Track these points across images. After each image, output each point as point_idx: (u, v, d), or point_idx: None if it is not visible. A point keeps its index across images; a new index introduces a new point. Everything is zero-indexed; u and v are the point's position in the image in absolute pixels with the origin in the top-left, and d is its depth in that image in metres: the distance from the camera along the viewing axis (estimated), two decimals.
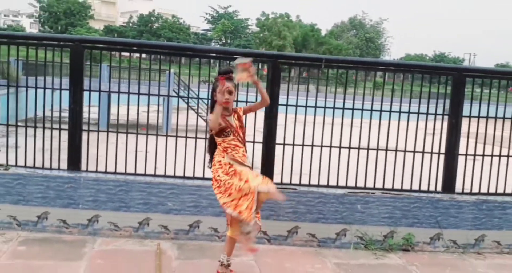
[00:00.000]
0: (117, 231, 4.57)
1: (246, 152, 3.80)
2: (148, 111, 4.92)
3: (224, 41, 73.38)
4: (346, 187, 4.92)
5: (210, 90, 3.83)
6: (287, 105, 4.91)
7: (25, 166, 4.76)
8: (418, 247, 4.82)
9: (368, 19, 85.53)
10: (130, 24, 73.68)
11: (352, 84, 5.35)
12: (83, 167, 4.74)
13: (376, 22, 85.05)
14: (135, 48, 5.28)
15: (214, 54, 5.26)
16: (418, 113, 5.10)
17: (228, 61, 5.10)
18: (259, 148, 4.78)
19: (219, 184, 3.65)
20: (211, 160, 3.88)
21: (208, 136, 3.98)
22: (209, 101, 3.86)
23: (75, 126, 4.70)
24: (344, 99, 5.01)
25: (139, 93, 4.86)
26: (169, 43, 6.92)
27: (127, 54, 5.22)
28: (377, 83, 25.28)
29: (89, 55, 5.19)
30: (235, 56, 5.05)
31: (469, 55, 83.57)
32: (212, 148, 3.87)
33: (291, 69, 5.60)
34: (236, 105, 4.34)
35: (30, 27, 79.48)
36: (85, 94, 4.74)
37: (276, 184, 4.74)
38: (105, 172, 4.75)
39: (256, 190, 3.53)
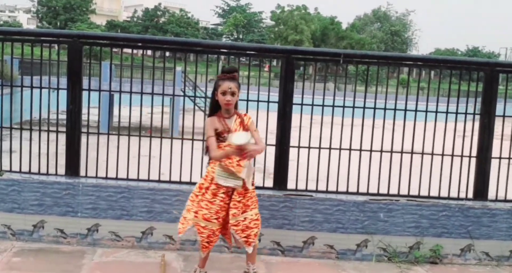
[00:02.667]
0: (119, 241, 4.61)
1: (245, 160, 3.72)
2: (152, 113, 4.96)
3: (236, 36, 73.69)
4: (367, 193, 4.90)
5: (212, 89, 3.86)
6: (302, 104, 4.91)
7: (20, 172, 4.83)
8: (447, 260, 4.78)
9: (393, 11, 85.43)
10: (135, 19, 74.44)
11: (375, 82, 5.33)
12: (82, 172, 4.79)
13: (402, 14, 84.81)
14: (139, 44, 5.34)
15: (224, 50, 5.28)
16: (447, 112, 5.05)
17: (239, 58, 5.14)
18: (271, 151, 4.79)
19: (199, 192, 3.82)
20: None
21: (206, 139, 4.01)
22: (210, 101, 3.89)
23: (74, 129, 4.76)
24: (365, 98, 5.00)
25: (142, 93, 4.91)
26: (175, 39, 6.95)
27: (130, 51, 5.26)
28: (402, 81, 25.15)
29: (89, 52, 5.25)
30: (246, 52, 5.10)
31: (505, 49, 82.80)
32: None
33: (306, 65, 5.58)
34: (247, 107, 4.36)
35: (28, 23, 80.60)
36: (85, 94, 4.80)
37: (291, 190, 4.78)
38: (106, 178, 4.80)
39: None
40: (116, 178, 4.81)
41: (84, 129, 4.79)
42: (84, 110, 4.81)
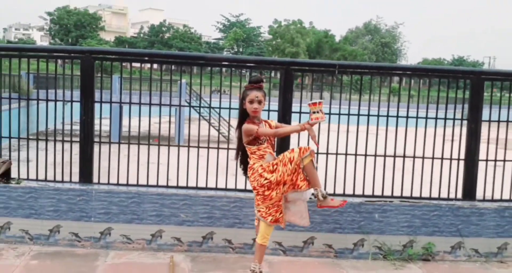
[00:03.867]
0: (130, 243, 4.61)
1: None
2: (160, 122, 4.98)
3: (236, 50, 73.88)
4: (363, 195, 4.91)
5: (240, 99, 3.92)
6: (300, 112, 4.92)
7: (36, 179, 4.84)
8: (438, 257, 4.77)
9: (383, 24, 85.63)
10: (141, 35, 74.64)
11: (368, 90, 5.35)
12: (95, 179, 4.80)
13: (391, 27, 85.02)
14: (146, 58, 5.37)
15: (226, 63, 5.30)
16: (436, 118, 5.07)
17: (241, 70, 5.16)
18: None
19: (268, 187, 3.74)
20: (244, 169, 4.00)
21: (236, 145, 4.02)
22: (239, 110, 3.93)
23: (87, 138, 4.77)
24: (359, 105, 5.03)
25: (150, 104, 4.93)
26: (180, 53, 7.03)
27: (138, 65, 5.29)
28: (394, 89, 25.18)
29: (100, 67, 5.27)
30: (247, 64, 5.12)
31: (488, 58, 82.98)
32: (241, 156, 3.98)
33: (304, 76, 5.62)
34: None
35: (41, 40, 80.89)
36: (97, 106, 4.82)
37: None
38: (117, 184, 4.81)
39: (302, 161, 3.68)
40: (127, 184, 4.82)
41: (96, 139, 4.81)
42: (96, 121, 4.83)
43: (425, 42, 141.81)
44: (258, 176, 3.75)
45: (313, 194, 3.84)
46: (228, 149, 4.87)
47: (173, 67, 5.30)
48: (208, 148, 4.94)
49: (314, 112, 3.64)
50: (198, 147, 4.97)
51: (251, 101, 3.78)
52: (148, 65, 5.66)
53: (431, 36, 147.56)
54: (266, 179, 3.72)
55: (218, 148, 4.94)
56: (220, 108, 5.16)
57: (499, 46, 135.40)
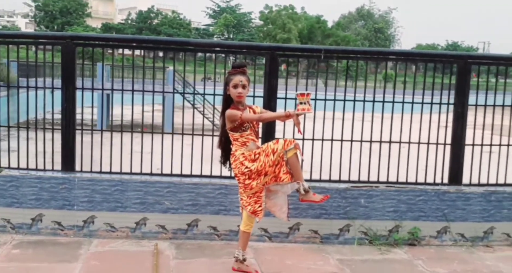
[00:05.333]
0: (114, 232, 4.63)
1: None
2: (142, 110, 4.98)
3: (226, 36, 73.46)
4: (349, 181, 4.95)
5: (224, 85, 3.89)
6: (286, 98, 4.94)
7: (18, 168, 4.84)
8: (424, 241, 4.85)
9: (376, 9, 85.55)
10: (129, 21, 74.00)
11: (359, 77, 5.37)
12: (78, 168, 4.81)
13: (384, 12, 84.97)
14: (128, 44, 5.34)
15: (210, 48, 5.29)
16: (422, 103, 5.11)
17: (230, 56, 5.16)
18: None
19: (248, 176, 3.75)
20: (225, 156, 3.99)
21: (219, 132, 4.02)
22: (222, 96, 3.92)
23: (68, 126, 4.76)
24: (345, 91, 5.05)
25: (133, 90, 4.92)
26: (163, 38, 6.95)
27: (127, 52, 5.27)
28: (385, 75, 25.26)
29: (82, 53, 5.24)
30: (232, 50, 5.12)
31: (483, 43, 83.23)
32: (224, 143, 3.97)
33: (293, 62, 5.63)
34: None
35: (26, 27, 79.95)
36: (86, 95, 4.81)
37: None
38: (100, 172, 4.81)
39: (285, 153, 3.67)
40: (110, 172, 4.82)
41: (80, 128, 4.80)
42: (83, 110, 4.82)
43: (419, 28, 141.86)
44: (239, 164, 3.77)
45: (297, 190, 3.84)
46: (212, 135, 4.89)
47: (159, 54, 5.30)
48: (193, 134, 4.96)
49: (301, 103, 3.63)
50: (182, 134, 4.99)
51: (235, 86, 3.77)
52: (137, 52, 5.64)
53: (425, 21, 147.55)
54: (246, 167, 3.73)
55: (202, 135, 4.96)
56: (204, 94, 5.17)
57: (494, 32, 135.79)
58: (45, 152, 4.79)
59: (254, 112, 3.92)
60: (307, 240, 4.75)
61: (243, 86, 3.79)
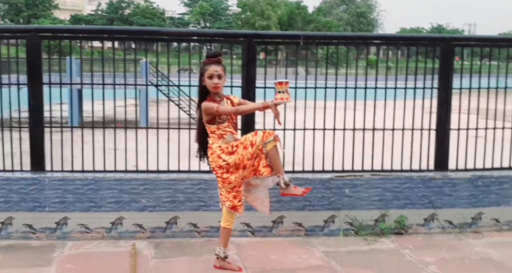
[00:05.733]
0: (88, 233, 4.60)
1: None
2: (114, 105, 4.91)
3: (203, 25, 73.08)
4: (332, 171, 4.99)
5: (198, 75, 3.86)
6: (265, 88, 4.94)
7: None
8: (411, 230, 4.92)
9: None
10: (99, 12, 73.04)
11: (343, 64, 5.40)
12: (48, 167, 4.75)
13: None
14: (100, 35, 5.28)
15: (183, 37, 5.26)
16: (405, 88, 5.15)
17: (205, 45, 5.13)
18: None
19: (226, 170, 3.75)
20: (203, 150, 3.98)
21: (196, 125, 4.00)
22: (198, 87, 3.89)
23: (36, 124, 4.70)
24: (326, 79, 5.07)
25: (103, 84, 4.87)
26: (138, 28, 6.86)
27: (97, 44, 5.21)
28: (371, 61, 25.41)
29: (48, 46, 5.17)
30: (212, 39, 5.09)
31: (468, 26, 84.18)
32: (201, 137, 3.96)
33: (274, 50, 5.63)
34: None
35: None
36: (54, 91, 4.75)
37: None
38: (72, 171, 4.76)
39: (265, 146, 3.69)
40: (83, 171, 4.77)
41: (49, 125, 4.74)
42: (55, 106, 4.76)
43: (403, 11, 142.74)
44: (216, 157, 3.77)
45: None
46: (189, 129, 4.88)
47: (132, 45, 5.25)
48: (168, 128, 4.94)
49: (279, 92, 3.62)
50: (158, 128, 4.96)
51: (211, 77, 3.75)
52: (108, 44, 5.58)
53: (409, 4, 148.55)
54: (224, 160, 3.73)
55: (179, 129, 4.94)
56: (179, 86, 5.15)
57: (480, 13, 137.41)
58: (13, 152, 4.72)
59: (232, 103, 3.91)
60: (291, 233, 4.78)
61: (219, 77, 3.76)
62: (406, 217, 4.88)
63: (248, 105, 3.95)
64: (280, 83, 3.61)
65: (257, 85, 4.84)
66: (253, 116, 4.83)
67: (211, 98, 3.80)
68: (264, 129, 4.12)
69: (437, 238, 4.84)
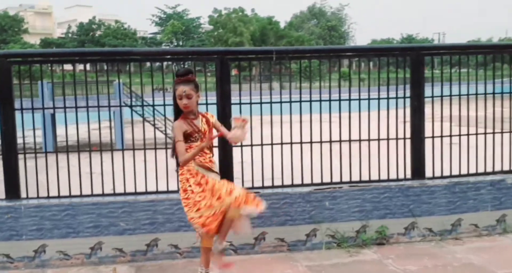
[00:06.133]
0: (68, 259, 4.52)
1: (213, 156, 3.89)
2: (88, 127, 4.88)
3: (176, 43, 73.19)
4: (311, 184, 5.01)
5: (172, 94, 3.83)
6: (240, 104, 4.95)
7: None
8: (393, 239, 4.96)
9: (328, 7, 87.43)
10: (70, 35, 72.63)
11: (317, 77, 5.46)
12: (23, 194, 4.68)
13: (336, 9, 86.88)
14: (71, 58, 5.24)
15: (167, 56, 5.22)
16: (378, 98, 5.23)
17: (179, 63, 5.12)
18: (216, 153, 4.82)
19: (188, 195, 3.72)
20: (178, 165, 3.92)
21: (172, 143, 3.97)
22: (173, 106, 3.86)
23: (9, 151, 4.63)
24: (301, 92, 5.11)
25: (76, 107, 4.84)
26: (109, 49, 6.82)
27: (69, 67, 5.18)
28: (344, 73, 25.76)
29: (18, 71, 5.12)
30: (185, 57, 5.10)
31: (438, 35, 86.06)
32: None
33: (249, 66, 5.68)
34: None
35: None
36: (27, 117, 4.70)
37: None
38: (48, 197, 4.69)
39: (230, 211, 3.67)
40: (59, 196, 4.71)
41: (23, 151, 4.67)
42: (28, 132, 4.70)
43: (373, 23, 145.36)
44: (184, 179, 3.74)
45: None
46: (166, 148, 4.86)
47: (104, 67, 5.23)
48: (145, 149, 4.92)
49: (236, 127, 3.62)
50: (134, 149, 4.93)
51: (180, 97, 3.71)
52: (80, 66, 5.55)
53: (379, 16, 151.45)
54: (190, 185, 3.71)
55: (155, 149, 4.92)
56: (153, 106, 5.14)
57: (449, 22, 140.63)
58: None
59: (208, 121, 3.89)
60: (274, 249, 4.77)
61: (188, 96, 3.72)
62: (386, 227, 4.92)
63: (194, 149, 3.72)
64: (237, 119, 3.63)
65: (232, 101, 4.84)
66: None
67: (183, 117, 3.78)
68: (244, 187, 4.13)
69: (419, 246, 4.89)
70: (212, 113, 4.07)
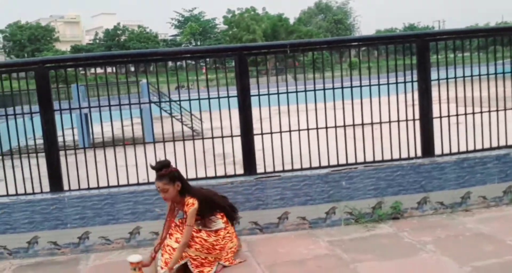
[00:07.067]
0: (109, 244, 4.60)
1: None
2: (122, 124, 4.93)
3: (194, 44, 73.20)
4: (329, 166, 4.99)
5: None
6: (259, 95, 4.95)
7: (7, 195, 4.75)
8: (407, 214, 4.93)
9: (333, 1, 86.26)
10: (97, 41, 73.13)
11: (327, 67, 5.44)
12: (66, 187, 4.75)
13: (342, 3, 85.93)
14: (100, 61, 5.29)
15: (188, 55, 5.22)
16: (388, 84, 5.17)
17: (196, 62, 5.12)
18: (238, 142, 4.83)
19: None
20: None
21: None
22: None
23: (51, 148, 4.70)
24: (314, 82, 5.09)
25: (110, 105, 4.87)
26: (135, 51, 6.82)
27: (100, 70, 5.21)
28: (353, 63, 25.55)
29: (55, 76, 5.18)
30: (205, 54, 5.08)
31: (438, 22, 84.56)
32: None
33: (261, 60, 5.65)
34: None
35: None
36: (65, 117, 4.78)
37: (260, 174, 4.83)
38: (88, 188, 4.76)
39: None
40: (98, 187, 4.77)
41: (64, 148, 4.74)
42: (66, 131, 4.76)
43: (377, 14, 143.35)
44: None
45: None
46: (193, 139, 4.89)
47: (131, 69, 5.26)
48: (174, 140, 4.94)
49: (133, 269, 3.61)
50: (164, 141, 4.95)
51: (158, 190, 3.87)
52: (109, 69, 5.59)
53: (382, 7, 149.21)
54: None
55: (183, 140, 4.93)
56: (180, 101, 5.16)
57: (447, 10, 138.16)
58: (32, 176, 4.72)
59: (186, 212, 3.87)
60: (296, 227, 4.79)
61: (163, 191, 3.82)
62: (400, 202, 4.89)
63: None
64: (132, 263, 3.60)
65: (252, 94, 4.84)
66: (251, 121, 4.82)
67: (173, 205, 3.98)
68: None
69: (431, 219, 4.85)
70: (194, 202, 3.86)
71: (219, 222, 4.01)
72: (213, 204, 4.02)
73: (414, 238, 4.36)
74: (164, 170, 3.81)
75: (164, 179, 3.81)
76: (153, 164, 3.90)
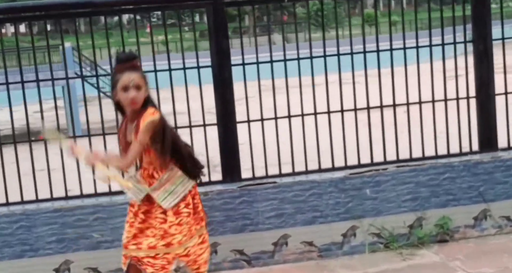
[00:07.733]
0: None
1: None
2: (26, 112, 4.86)
3: None
4: (346, 167, 5.05)
5: (111, 87, 3.83)
6: (243, 64, 4.93)
7: None
8: (458, 234, 5.01)
9: None
10: None
11: (332, 25, 5.42)
12: None
13: None
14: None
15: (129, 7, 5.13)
16: (430, 46, 5.17)
17: (149, 15, 5.07)
18: (213, 134, 4.88)
19: None
20: None
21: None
22: (113, 103, 3.88)
23: None
24: (310, 45, 5.03)
25: (7, 83, 4.78)
26: (52, 1, 6.52)
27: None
28: (369, 17, 25.27)
29: None
30: (163, 7, 5.00)
31: None
32: None
33: (241, 14, 5.60)
34: None
35: None
36: None
37: (247, 179, 4.85)
38: None
39: None
40: (7, 204, 4.77)
41: None
42: None
43: None
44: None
45: None
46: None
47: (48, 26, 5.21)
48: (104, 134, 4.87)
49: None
50: (104, 134, 4.94)
51: (125, 88, 3.68)
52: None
53: None
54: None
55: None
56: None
57: None
58: None
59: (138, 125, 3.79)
60: (300, 257, 4.85)
61: (137, 87, 3.71)
62: (449, 218, 4.97)
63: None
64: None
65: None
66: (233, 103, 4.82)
67: (125, 117, 3.88)
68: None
69: (494, 242, 4.94)
70: (153, 111, 3.79)
71: (175, 170, 3.92)
72: (176, 147, 3.91)
73: (471, 269, 4.45)
74: (135, 61, 3.82)
75: (140, 71, 3.82)
76: (120, 54, 3.89)
